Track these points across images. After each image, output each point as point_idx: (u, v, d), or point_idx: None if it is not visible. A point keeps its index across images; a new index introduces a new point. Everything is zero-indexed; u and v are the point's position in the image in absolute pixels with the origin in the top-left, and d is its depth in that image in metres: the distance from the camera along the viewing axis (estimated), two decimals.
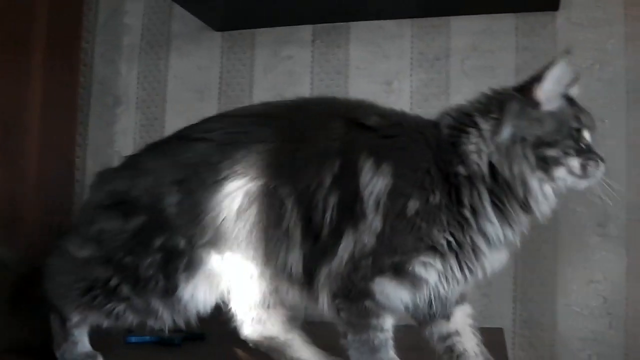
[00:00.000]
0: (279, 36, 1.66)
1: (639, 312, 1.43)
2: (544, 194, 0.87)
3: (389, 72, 1.59)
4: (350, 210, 0.85)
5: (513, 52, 1.53)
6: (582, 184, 0.87)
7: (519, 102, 0.86)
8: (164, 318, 0.94)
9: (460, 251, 0.85)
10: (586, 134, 0.88)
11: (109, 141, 1.75)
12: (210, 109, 1.64)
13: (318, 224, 0.86)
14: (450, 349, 0.94)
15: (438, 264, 0.85)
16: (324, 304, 0.88)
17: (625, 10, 1.51)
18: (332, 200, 0.86)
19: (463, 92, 1.52)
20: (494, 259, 0.88)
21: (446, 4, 1.53)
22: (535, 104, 0.86)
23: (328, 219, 0.86)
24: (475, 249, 0.86)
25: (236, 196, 0.89)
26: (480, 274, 0.88)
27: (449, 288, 0.88)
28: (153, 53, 1.74)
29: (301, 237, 0.88)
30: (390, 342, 0.87)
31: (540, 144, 0.85)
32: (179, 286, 0.92)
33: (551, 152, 0.84)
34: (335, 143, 0.88)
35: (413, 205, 0.84)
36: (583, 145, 0.87)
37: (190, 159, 0.93)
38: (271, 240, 0.89)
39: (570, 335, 1.45)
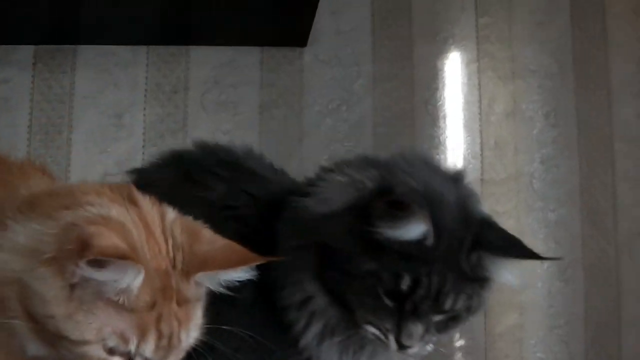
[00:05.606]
0: None
1: None
2: None
3: (120, 103, 1.44)
4: None
5: (257, 88, 1.43)
6: None
7: None
8: None
9: None
10: None
11: None
12: None
13: None
14: None
15: None
16: None
17: (373, 50, 1.47)
18: None
19: (202, 128, 1.43)
20: None
21: (186, 32, 1.42)
22: None
23: None
24: None
25: None
26: None
27: None
28: None
29: None
30: None
31: None
32: None
33: None
34: None
35: None
36: None
37: None
38: None
39: None
